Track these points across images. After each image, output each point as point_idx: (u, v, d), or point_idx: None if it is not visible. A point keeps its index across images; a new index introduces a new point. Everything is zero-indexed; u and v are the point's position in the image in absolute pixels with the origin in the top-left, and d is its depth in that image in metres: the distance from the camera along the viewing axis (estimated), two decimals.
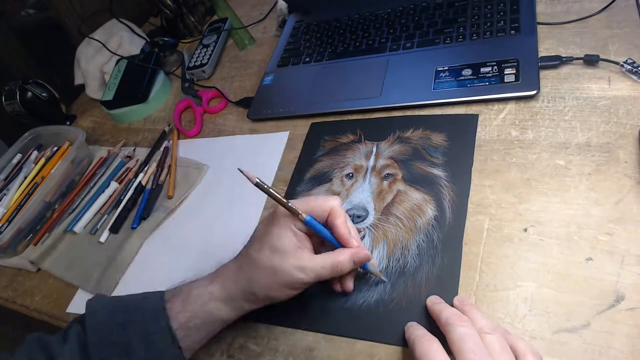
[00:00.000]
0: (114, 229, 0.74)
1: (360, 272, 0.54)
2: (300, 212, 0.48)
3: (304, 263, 0.48)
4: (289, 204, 0.48)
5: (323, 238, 0.50)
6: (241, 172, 0.47)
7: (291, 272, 0.48)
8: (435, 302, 0.48)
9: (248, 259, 0.50)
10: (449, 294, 0.49)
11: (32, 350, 0.50)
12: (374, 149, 0.66)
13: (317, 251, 0.51)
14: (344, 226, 0.50)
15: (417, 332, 0.45)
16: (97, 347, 0.47)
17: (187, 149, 0.83)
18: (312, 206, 0.50)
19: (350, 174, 0.65)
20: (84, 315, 0.50)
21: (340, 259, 0.48)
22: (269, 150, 0.75)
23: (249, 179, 0.47)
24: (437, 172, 0.60)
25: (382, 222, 0.58)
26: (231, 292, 0.50)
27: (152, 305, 0.50)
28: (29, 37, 1.06)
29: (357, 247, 0.50)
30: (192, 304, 0.50)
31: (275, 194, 0.48)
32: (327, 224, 0.50)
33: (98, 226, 0.76)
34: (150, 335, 0.48)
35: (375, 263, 0.53)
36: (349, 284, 0.53)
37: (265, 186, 0.48)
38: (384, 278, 0.53)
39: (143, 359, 0.47)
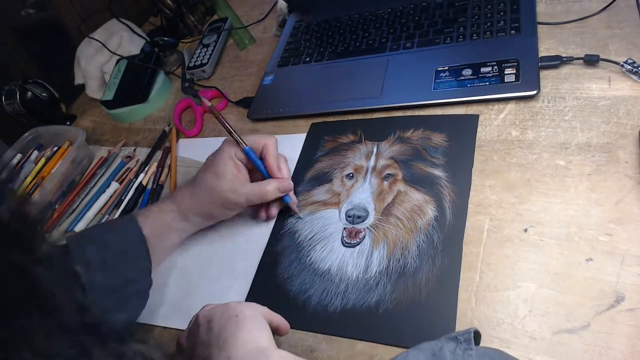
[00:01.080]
0: None
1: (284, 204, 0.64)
2: (242, 142, 0.60)
3: (236, 187, 0.59)
4: (235, 135, 0.60)
5: (257, 169, 0.62)
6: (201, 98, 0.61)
7: (225, 193, 0.59)
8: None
9: (195, 180, 0.62)
10: (449, 294, 0.50)
11: None
12: (375, 149, 0.66)
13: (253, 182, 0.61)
14: (273, 160, 0.61)
15: None
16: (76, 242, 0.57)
17: (189, 148, 0.83)
18: (251, 140, 0.61)
19: (351, 174, 0.65)
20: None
21: (267, 187, 0.60)
22: (287, 152, 0.71)
23: (204, 102, 0.62)
24: (438, 172, 0.60)
25: (383, 223, 0.58)
26: (182, 206, 0.62)
27: (125, 221, 0.61)
28: (29, 37, 1.06)
29: (282, 178, 0.61)
30: (151, 218, 0.61)
31: (226, 123, 0.61)
32: (260, 157, 0.62)
33: None
34: (124, 233, 0.59)
35: (296, 200, 0.64)
36: (273, 211, 0.63)
37: (218, 113, 0.61)
38: (300, 214, 0.63)
39: (117, 252, 0.57)
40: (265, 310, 0.48)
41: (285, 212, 0.65)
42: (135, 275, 0.58)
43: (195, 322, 0.48)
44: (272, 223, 0.65)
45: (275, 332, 0.48)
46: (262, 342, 0.43)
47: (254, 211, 0.65)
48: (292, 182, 0.62)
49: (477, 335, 0.39)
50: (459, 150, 0.61)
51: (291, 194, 0.63)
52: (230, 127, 0.61)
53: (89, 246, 0.56)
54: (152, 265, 0.59)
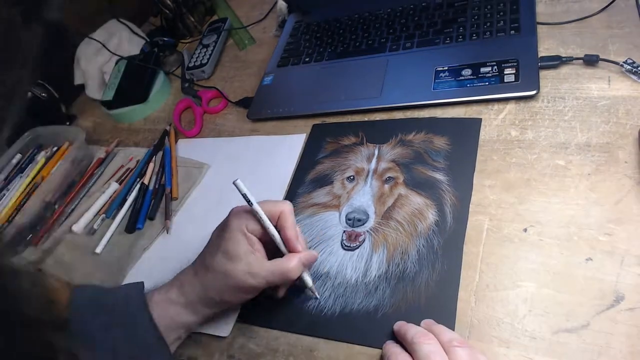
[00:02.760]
0: (130, 229, 0.74)
1: (296, 283, 0.54)
2: (252, 201, 0.51)
3: (254, 269, 0.50)
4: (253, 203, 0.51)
5: (272, 239, 0.52)
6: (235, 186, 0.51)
7: (242, 277, 0.49)
8: (400, 325, 0.48)
9: (203, 264, 0.52)
10: (448, 300, 0.49)
11: None
12: (376, 152, 0.66)
13: (270, 257, 0.52)
14: (292, 230, 0.52)
15: (392, 349, 0.46)
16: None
17: (189, 148, 0.83)
18: (265, 208, 0.52)
19: (352, 177, 0.65)
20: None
21: (289, 265, 0.50)
22: (285, 152, 0.73)
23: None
24: (439, 176, 0.60)
25: (383, 226, 0.58)
26: (189, 297, 0.52)
27: (135, 305, 0.51)
28: None
29: (302, 251, 0.52)
30: (155, 309, 0.51)
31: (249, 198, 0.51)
32: (277, 226, 0.52)
33: (95, 226, 0.76)
34: (134, 329, 0.49)
35: (310, 280, 0.54)
36: (281, 292, 0.55)
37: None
38: (317, 294, 0.54)
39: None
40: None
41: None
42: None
43: None
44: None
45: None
46: None
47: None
48: (315, 253, 0.53)
49: None
50: (461, 154, 0.61)
51: (308, 272, 0.54)
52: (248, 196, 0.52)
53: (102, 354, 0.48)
54: None
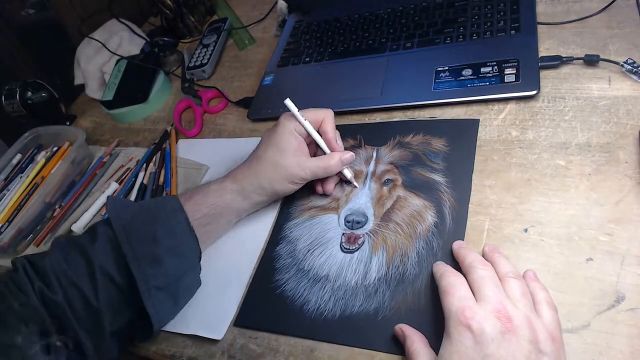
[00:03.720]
0: None
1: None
2: (301, 117, 0.60)
3: (303, 162, 0.59)
4: (295, 110, 0.60)
5: (315, 143, 0.62)
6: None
7: (292, 167, 0.59)
8: (461, 247, 0.51)
9: (256, 157, 0.61)
10: None
11: (65, 251, 0.54)
12: (374, 154, 0.66)
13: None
14: (332, 133, 0.61)
15: (445, 268, 0.48)
16: (126, 241, 0.53)
17: (188, 148, 0.83)
18: (310, 115, 0.61)
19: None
20: (107, 219, 0.55)
21: (331, 161, 0.60)
22: None
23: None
24: (438, 177, 0.60)
25: (382, 229, 0.58)
26: (243, 185, 0.61)
27: (171, 206, 0.57)
28: (29, 37, 1.06)
29: (342, 151, 0.61)
30: (211, 196, 0.60)
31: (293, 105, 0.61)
32: (320, 131, 0.62)
33: None
34: (173, 227, 0.56)
35: (352, 172, 0.63)
36: (330, 186, 0.63)
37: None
38: (355, 183, 0.63)
39: (167, 247, 0.54)
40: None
41: (343, 185, 0.65)
42: (183, 270, 0.56)
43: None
44: (270, 227, 0.65)
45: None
46: None
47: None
48: (353, 153, 0.62)
49: None
50: (459, 155, 0.61)
51: (349, 168, 0.63)
52: (292, 103, 0.61)
53: (135, 242, 0.53)
54: (202, 252, 0.59)
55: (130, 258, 0.52)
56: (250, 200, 0.62)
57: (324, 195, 0.64)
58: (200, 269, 0.60)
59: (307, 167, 0.59)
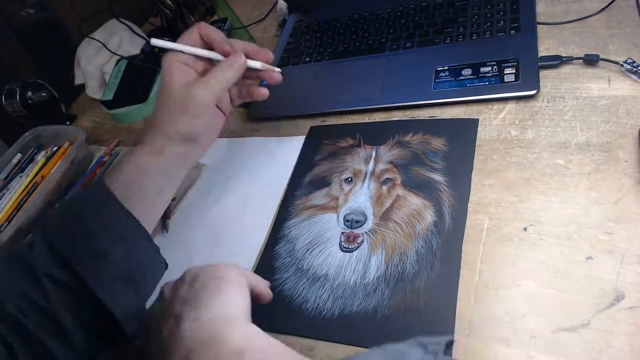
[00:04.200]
0: None
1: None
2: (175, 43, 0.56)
3: (194, 85, 0.54)
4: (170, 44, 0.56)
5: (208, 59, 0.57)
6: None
7: (196, 92, 0.53)
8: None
9: (155, 107, 0.56)
10: (447, 301, 0.49)
11: (7, 264, 0.50)
12: (374, 153, 0.66)
13: None
14: (221, 41, 0.57)
15: None
16: (63, 242, 0.49)
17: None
18: (185, 38, 0.57)
19: (349, 179, 0.65)
20: (43, 224, 0.52)
21: (223, 66, 0.55)
22: (283, 154, 0.73)
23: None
24: (437, 177, 0.60)
25: (381, 228, 0.58)
26: (150, 140, 0.55)
27: (95, 193, 0.53)
28: (29, 37, 1.06)
29: (233, 53, 0.57)
30: (124, 165, 0.53)
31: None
32: (207, 44, 0.57)
33: None
34: (105, 215, 0.50)
35: (263, 64, 0.61)
36: (262, 91, 0.63)
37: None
38: (279, 69, 0.61)
39: (106, 236, 0.49)
40: (251, 276, 0.47)
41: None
42: (135, 255, 0.51)
43: (181, 277, 0.46)
44: (269, 225, 0.64)
45: (256, 300, 0.47)
46: (234, 310, 0.42)
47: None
48: (243, 57, 0.57)
49: (451, 344, 0.39)
50: (459, 155, 0.61)
51: (254, 61, 0.59)
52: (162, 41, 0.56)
53: (71, 240, 0.49)
54: (149, 231, 0.53)
55: (72, 258, 0.48)
56: (164, 155, 0.54)
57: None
58: (159, 248, 0.54)
59: (203, 88, 0.54)
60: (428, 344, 0.36)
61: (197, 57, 0.56)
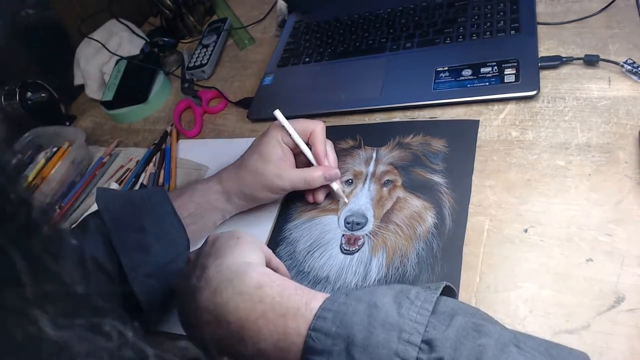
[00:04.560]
0: None
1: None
2: (290, 127, 0.59)
3: (282, 172, 0.59)
4: (283, 120, 0.60)
5: (304, 155, 0.61)
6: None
7: (271, 177, 0.59)
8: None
9: (241, 162, 0.62)
10: None
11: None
12: (374, 155, 0.66)
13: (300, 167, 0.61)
14: (321, 146, 0.60)
15: None
16: (116, 232, 0.54)
17: (189, 149, 0.83)
18: (299, 125, 0.60)
19: (350, 180, 0.65)
20: (97, 211, 0.56)
21: (314, 174, 0.59)
22: None
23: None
24: (437, 178, 0.60)
25: (382, 230, 0.58)
26: (227, 187, 0.62)
27: (156, 198, 0.59)
28: (29, 37, 1.06)
29: (328, 166, 0.60)
30: (197, 196, 0.62)
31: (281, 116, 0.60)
32: (309, 142, 0.61)
33: None
34: (160, 216, 0.58)
35: (342, 188, 0.63)
36: (320, 197, 0.63)
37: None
38: (345, 199, 0.62)
39: (154, 234, 0.56)
40: (266, 248, 0.50)
41: (329, 197, 0.64)
42: (171, 257, 0.57)
43: (204, 242, 0.50)
44: (269, 228, 0.64)
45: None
46: (251, 259, 0.46)
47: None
48: (338, 171, 0.61)
49: (451, 292, 0.41)
50: (459, 156, 0.61)
51: (337, 180, 0.62)
52: (280, 113, 0.60)
53: (123, 232, 0.55)
54: (190, 244, 0.59)
55: (119, 247, 0.54)
56: (232, 202, 0.63)
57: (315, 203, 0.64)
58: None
59: (287, 177, 0.59)
60: (430, 285, 0.40)
61: (295, 144, 0.61)
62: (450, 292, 0.41)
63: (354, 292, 0.40)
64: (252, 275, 0.43)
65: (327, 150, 0.61)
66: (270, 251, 0.51)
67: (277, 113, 0.60)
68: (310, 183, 0.59)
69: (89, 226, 0.56)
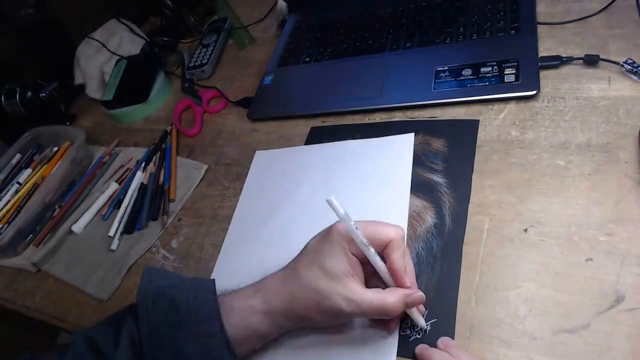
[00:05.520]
0: (128, 231, 0.74)
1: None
2: (363, 238, 0.45)
3: (351, 295, 0.44)
4: (352, 223, 0.45)
5: (375, 269, 0.47)
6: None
7: (336, 301, 0.44)
8: (423, 350, 0.46)
9: (295, 274, 0.47)
10: (448, 302, 0.49)
11: (82, 352, 0.47)
12: None
13: (367, 282, 0.48)
14: (400, 261, 0.46)
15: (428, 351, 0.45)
16: (150, 351, 0.45)
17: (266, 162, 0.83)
18: (372, 231, 0.46)
19: None
20: (135, 310, 0.47)
21: (390, 300, 0.44)
22: (395, 155, 0.64)
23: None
24: (437, 178, 0.60)
25: None
26: (272, 306, 0.47)
27: (207, 309, 0.46)
28: (29, 37, 1.06)
29: (409, 287, 0.46)
30: (234, 317, 0.47)
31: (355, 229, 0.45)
32: (384, 254, 0.47)
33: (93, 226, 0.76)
34: (206, 343, 0.45)
35: (423, 309, 0.49)
36: (393, 327, 0.48)
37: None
38: (424, 325, 0.48)
39: (191, 354, 0.45)
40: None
41: None
42: None
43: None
44: None
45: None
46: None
47: None
48: (422, 294, 0.46)
49: None
50: (459, 156, 0.61)
51: (420, 305, 0.48)
52: (348, 216, 0.45)
53: (159, 350, 0.46)
54: None
55: None
56: (279, 325, 0.48)
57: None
58: None
59: (356, 303, 0.44)
60: None
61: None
62: None
63: None
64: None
65: (407, 266, 0.47)
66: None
67: (335, 204, 0.44)
68: (385, 311, 0.44)
69: (121, 335, 0.46)
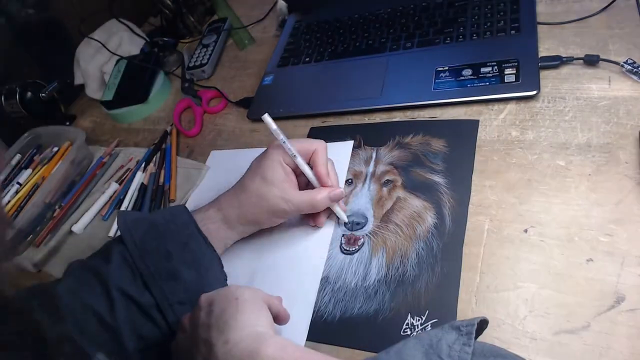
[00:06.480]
0: None
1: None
2: (291, 148, 0.55)
3: (287, 195, 0.56)
4: (283, 138, 0.55)
5: (304, 175, 0.57)
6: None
7: (276, 201, 0.56)
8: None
9: (242, 186, 0.58)
10: (448, 303, 0.49)
11: (79, 275, 0.54)
12: (374, 155, 0.66)
13: (301, 189, 0.58)
14: (323, 167, 0.57)
15: None
16: (141, 260, 0.53)
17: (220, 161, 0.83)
18: (300, 146, 0.57)
19: (350, 180, 0.65)
20: (120, 237, 0.55)
21: (318, 196, 0.56)
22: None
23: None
24: (437, 178, 0.60)
25: (382, 230, 0.58)
26: (227, 214, 0.58)
27: (180, 220, 0.57)
28: (29, 37, 1.06)
29: (332, 185, 0.57)
30: (200, 225, 0.57)
31: (278, 130, 0.56)
32: (310, 163, 0.58)
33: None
34: (185, 240, 0.55)
35: (344, 207, 0.61)
36: (322, 220, 0.60)
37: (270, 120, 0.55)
38: (345, 219, 0.59)
39: (182, 260, 0.54)
40: (265, 295, 0.48)
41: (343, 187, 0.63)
42: (205, 281, 0.55)
43: (197, 305, 0.48)
44: None
45: (275, 320, 0.48)
46: (260, 327, 0.43)
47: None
48: (343, 190, 0.58)
49: (483, 324, 0.39)
50: (459, 156, 0.61)
51: (340, 201, 0.60)
52: (280, 131, 0.56)
53: (149, 259, 0.53)
54: None
55: (147, 276, 0.52)
56: (235, 229, 0.59)
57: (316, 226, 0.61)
58: (226, 277, 0.58)
59: (291, 201, 0.56)
60: (461, 326, 0.38)
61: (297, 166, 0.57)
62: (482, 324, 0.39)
63: (381, 357, 0.38)
64: (267, 354, 0.39)
65: (329, 171, 0.58)
66: (269, 297, 0.49)
67: (268, 119, 0.56)
68: (315, 205, 0.56)
69: (112, 254, 0.54)
